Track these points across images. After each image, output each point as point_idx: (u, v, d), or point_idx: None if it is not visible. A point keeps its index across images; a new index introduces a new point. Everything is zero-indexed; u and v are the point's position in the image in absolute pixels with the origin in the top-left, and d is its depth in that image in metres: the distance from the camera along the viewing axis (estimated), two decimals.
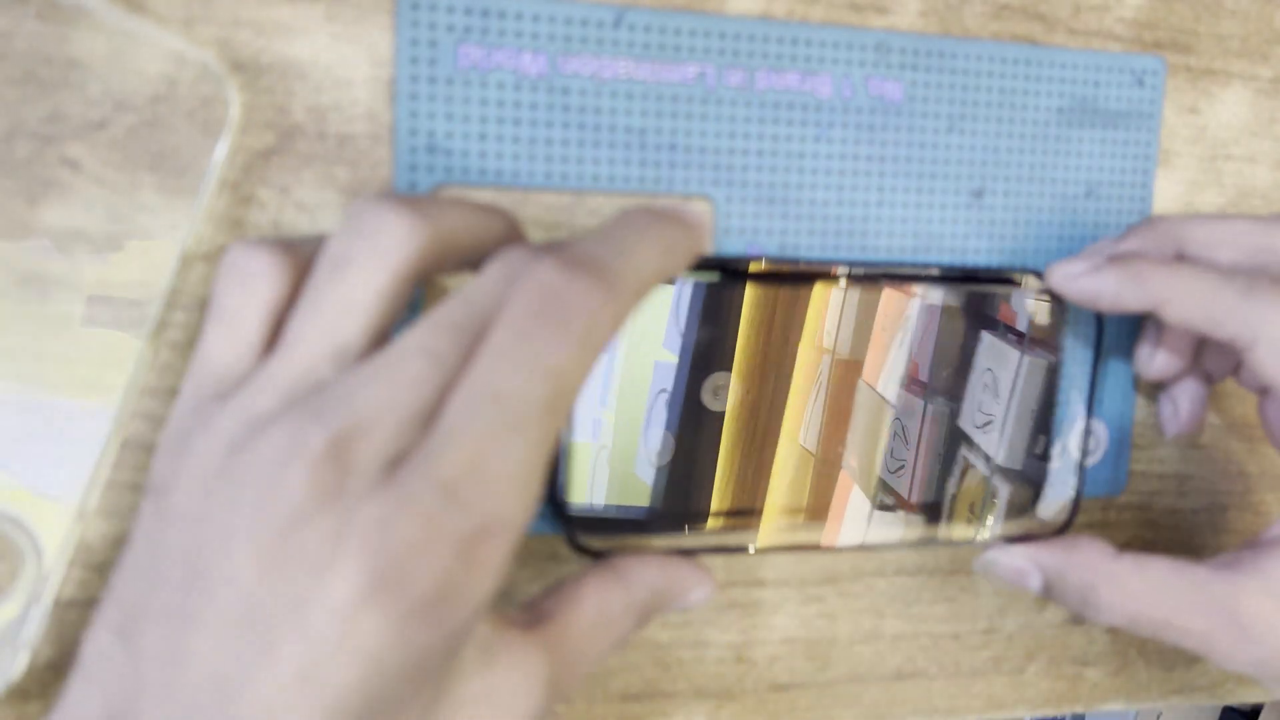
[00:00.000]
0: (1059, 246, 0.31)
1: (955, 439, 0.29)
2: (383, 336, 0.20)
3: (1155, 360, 0.30)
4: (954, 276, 0.27)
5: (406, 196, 0.20)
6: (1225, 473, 0.34)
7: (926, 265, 0.27)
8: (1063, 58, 0.30)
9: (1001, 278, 0.28)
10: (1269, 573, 0.25)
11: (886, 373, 0.28)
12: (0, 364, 0.22)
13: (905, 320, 0.28)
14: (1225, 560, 0.26)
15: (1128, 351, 0.32)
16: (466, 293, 0.19)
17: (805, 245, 0.28)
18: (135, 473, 0.24)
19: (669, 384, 0.26)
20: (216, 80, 0.23)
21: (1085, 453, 0.29)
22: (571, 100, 0.26)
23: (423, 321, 0.19)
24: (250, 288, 0.20)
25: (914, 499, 0.28)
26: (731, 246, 0.28)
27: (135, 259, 0.23)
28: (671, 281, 0.25)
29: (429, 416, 0.18)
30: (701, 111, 0.27)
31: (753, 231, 0.28)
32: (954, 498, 0.29)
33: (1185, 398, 0.31)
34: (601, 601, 0.22)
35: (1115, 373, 0.32)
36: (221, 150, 0.23)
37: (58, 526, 0.22)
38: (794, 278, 0.26)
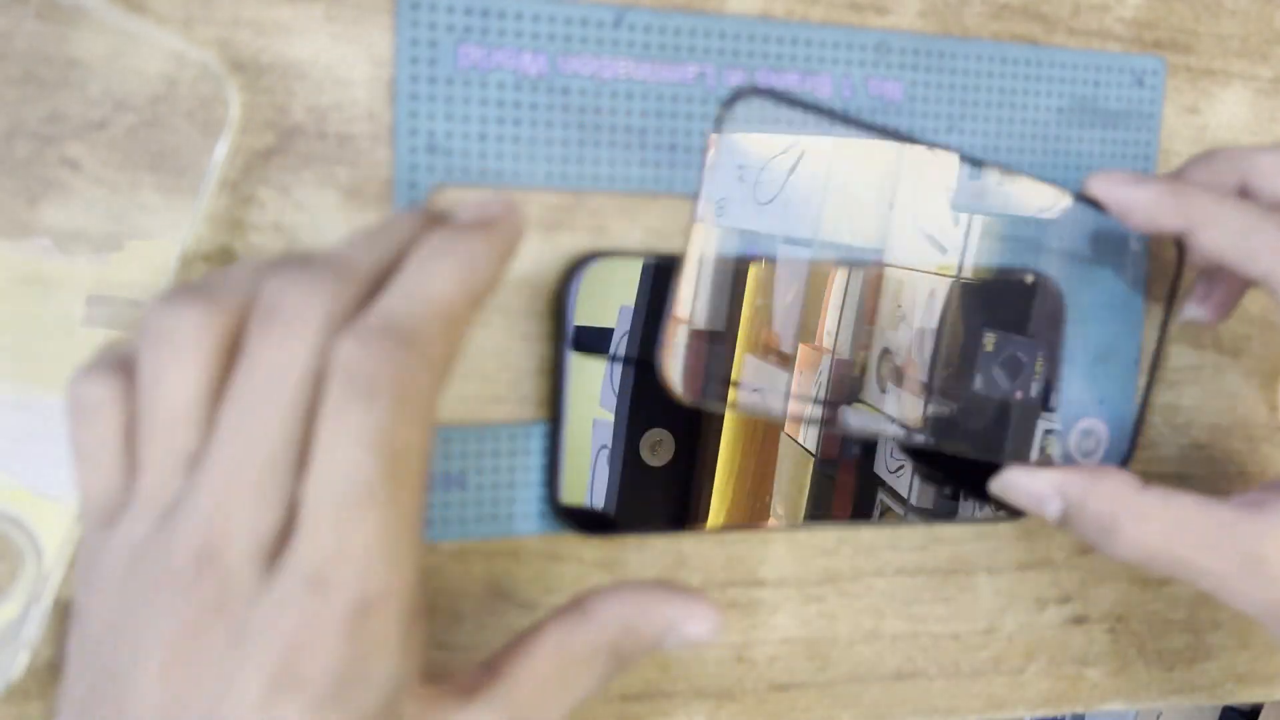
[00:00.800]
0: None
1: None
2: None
3: (1210, 302, 0.29)
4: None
5: (194, 284, 0.20)
6: (1225, 473, 0.34)
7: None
8: (1063, 58, 0.30)
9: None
10: None
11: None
12: (0, 364, 0.22)
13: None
14: (1251, 499, 0.25)
15: (1129, 350, 0.32)
16: (267, 371, 0.18)
17: (805, 246, 0.28)
18: None
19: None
20: (216, 80, 0.23)
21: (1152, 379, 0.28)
22: (571, 100, 0.26)
23: (226, 402, 0.18)
24: (95, 419, 0.19)
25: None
26: (731, 248, 0.28)
27: (135, 259, 0.23)
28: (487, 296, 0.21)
29: (285, 499, 0.18)
30: (702, 112, 0.27)
31: (754, 233, 0.28)
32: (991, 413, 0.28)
33: (1223, 286, 0.29)
34: (561, 647, 0.21)
35: (1115, 373, 0.32)
36: (221, 150, 0.23)
37: (58, 526, 0.22)
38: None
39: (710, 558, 0.29)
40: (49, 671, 0.23)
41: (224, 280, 0.19)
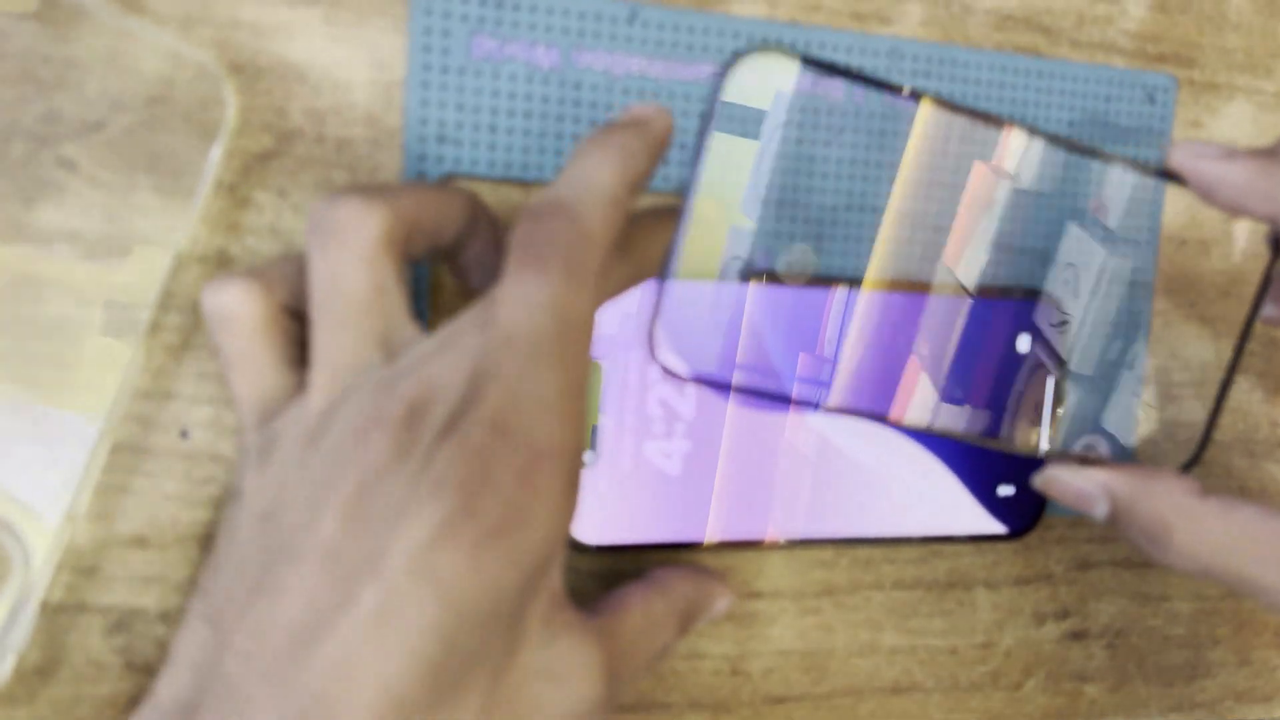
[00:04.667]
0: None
1: (1029, 336, 0.27)
2: (397, 307, 0.21)
3: None
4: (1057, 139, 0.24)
5: (359, 185, 0.22)
6: (1226, 487, 0.34)
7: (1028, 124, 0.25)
8: (1074, 71, 0.30)
9: (1100, 153, 0.25)
10: None
11: (967, 259, 0.26)
12: None
13: (992, 204, 0.25)
14: None
15: (1133, 366, 0.31)
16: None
17: (813, 249, 0.28)
18: (126, 476, 0.23)
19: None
20: (214, 82, 0.23)
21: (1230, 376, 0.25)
22: (583, 94, 0.26)
23: (466, 311, 0.21)
24: (239, 324, 0.21)
25: (980, 396, 0.26)
26: (738, 248, 0.28)
27: (130, 261, 0.23)
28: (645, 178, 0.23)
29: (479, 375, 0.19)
30: None
31: (759, 234, 0.28)
32: (1020, 398, 0.27)
33: None
34: (646, 607, 0.23)
35: (1119, 388, 0.32)
36: (218, 152, 0.23)
37: (46, 531, 0.22)
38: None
39: (721, 559, 0.28)
40: (36, 676, 0.23)
41: (392, 193, 0.21)
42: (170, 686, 0.20)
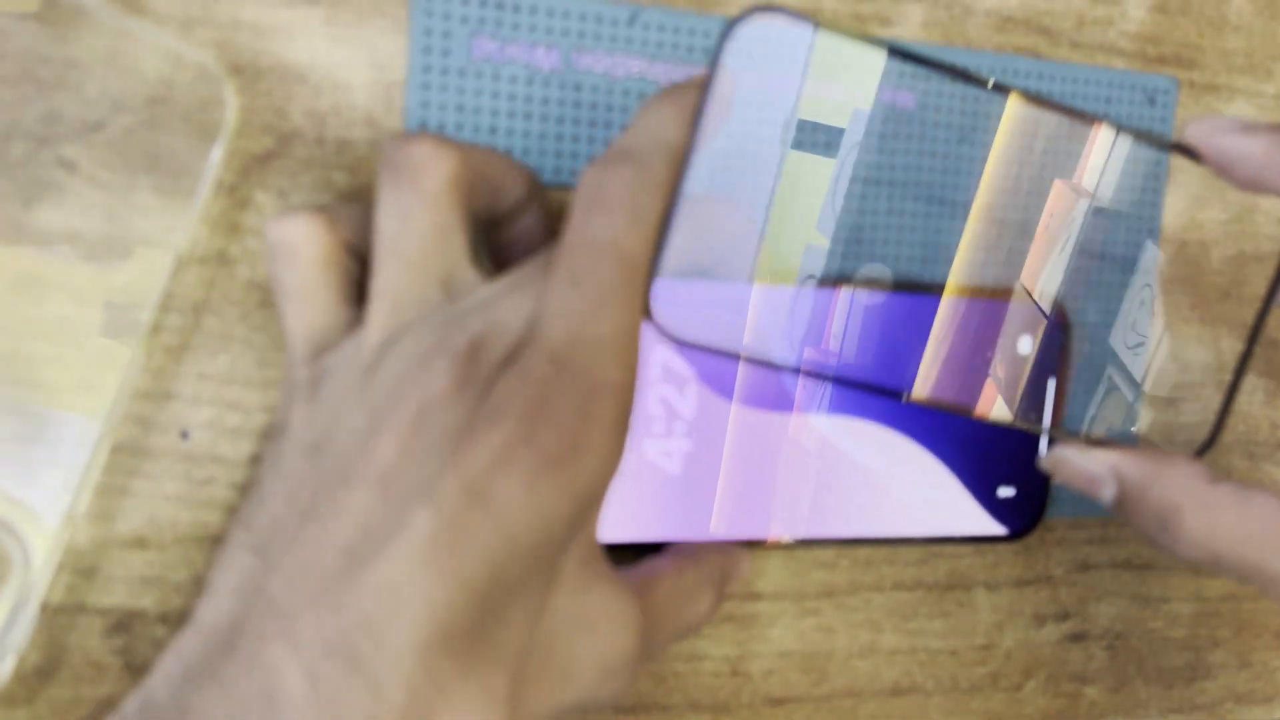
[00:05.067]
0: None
1: (1104, 359, 0.26)
2: (460, 250, 0.21)
3: None
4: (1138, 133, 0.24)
5: (425, 133, 0.22)
6: None
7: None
8: (1074, 73, 0.30)
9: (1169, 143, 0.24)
10: None
11: (1045, 279, 0.25)
12: None
13: (1071, 221, 0.24)
14: None
15: (1126, 364, 0.31)
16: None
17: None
18: (126, 477, 0.23)
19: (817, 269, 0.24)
20: (215, 82, 0.23)
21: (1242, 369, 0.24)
22: (584, 96, 0.26)
23: (530, 259, 0.21)
24: (303, 255, 0.21)
25: (1055, 421, 0.26)
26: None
27: (130, 261, 0.23)
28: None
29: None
30: None
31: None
32: (1093, 422, 0.26)
33: None
34: (679, 575, 0.24)
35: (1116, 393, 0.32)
36: (218, 153, 0.23)
37: (46, 531, 0.22)
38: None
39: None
40: (36, 677, 0.23)
41: (460, 144, 0.21)
42: (211, 611, 0.19)
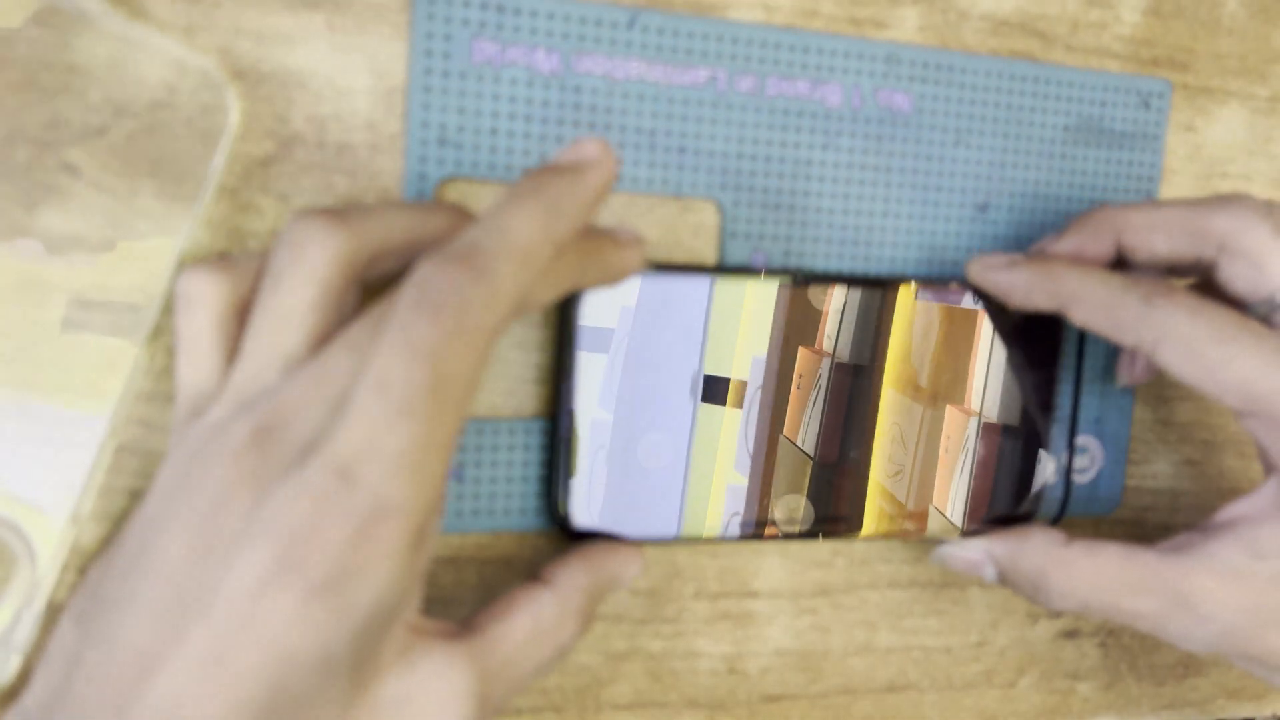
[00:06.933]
0: None
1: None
2: (327, 338, 0.21)
3: (1136, 368, 0.31)
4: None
5: (334, 208, 0.21)
6: (1218, 489, 0.34)
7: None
8: (1070, 76, 0.30)
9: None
10: (1215, 554, 0.25)
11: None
12: None
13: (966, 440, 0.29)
14: (1174, 544, 0.26)
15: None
16: (393, 292, 0.20)
17: (810, 253, 0.29)
18: (130, 477, 0.24)
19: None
20: (217, 88, 0.23)
21: (1071, 460, 0.30)
22: (583, 99, 0.26)
23: (356, 320, 0.20)
24: (196, 311, 0.21)
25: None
26: (737, 252, 0.28)
27: (133, 264, 0.23)
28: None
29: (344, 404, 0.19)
30: (711, 115, 0.27)
31: (758, 237, 0.28)
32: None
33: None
34: (534, 617, 0.23)
35: (1112, 391, 0.32)
36: (220, 157, 0.23)
37: (52, 531, 0.22)
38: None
39: (704, 568, 0.29)
40: None
41: (365, 217, 0.21)
42: (36, 690, 0.21)
